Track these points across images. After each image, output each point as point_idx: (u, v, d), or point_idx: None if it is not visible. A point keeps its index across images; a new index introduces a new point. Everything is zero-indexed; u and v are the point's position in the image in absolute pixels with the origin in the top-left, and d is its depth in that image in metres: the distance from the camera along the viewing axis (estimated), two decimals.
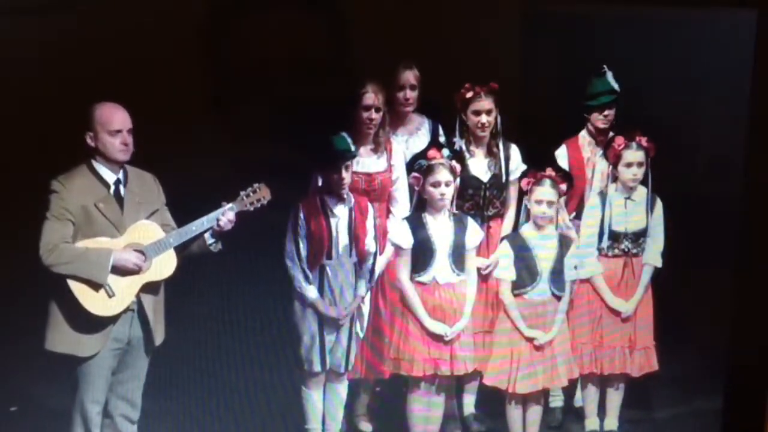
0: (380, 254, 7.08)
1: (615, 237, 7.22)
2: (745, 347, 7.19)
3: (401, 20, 7.92)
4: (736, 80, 7.44)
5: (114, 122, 6.30)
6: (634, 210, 7.21)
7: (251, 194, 6.56)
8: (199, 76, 7.95)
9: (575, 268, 7.09)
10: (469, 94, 7.23)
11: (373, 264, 7.03)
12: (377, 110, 7.14)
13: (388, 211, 7.25)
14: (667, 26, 7.96)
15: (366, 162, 7.18)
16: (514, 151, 7.32)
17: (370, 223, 7.01)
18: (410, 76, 7.31)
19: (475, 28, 7.99)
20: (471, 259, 7.04)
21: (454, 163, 6.96)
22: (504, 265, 7.06)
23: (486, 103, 7.23)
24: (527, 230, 7.05)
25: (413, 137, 7.43)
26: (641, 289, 7.23)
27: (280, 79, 7.94)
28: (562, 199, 7.15)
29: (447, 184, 6.94)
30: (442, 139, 7.47)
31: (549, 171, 7.05)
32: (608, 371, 7.27)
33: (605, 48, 8.13)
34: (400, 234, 6.99)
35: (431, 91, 7.45)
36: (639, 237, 7.21)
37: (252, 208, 6.57)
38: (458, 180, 7.01)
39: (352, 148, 6.90)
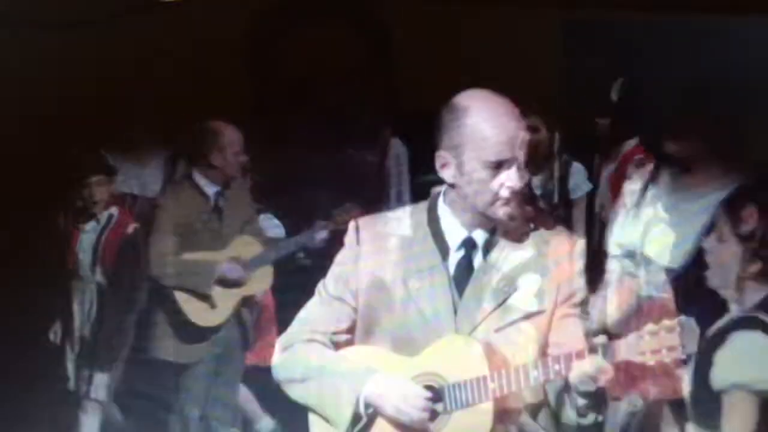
0: None
1: None
2: None
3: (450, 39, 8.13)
4: None
5: (236, 143, 6.54)
6: None
7: (343, 214, 6.80)
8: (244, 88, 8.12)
9: None
10: None
11: None
12: None
13: None
14: (719, 34, 8.14)
15: None
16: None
17: None
18: None
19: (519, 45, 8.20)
20: None
21: None
22: None
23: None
24: None
25: None
26: None
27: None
28: None
29: None
30: None
31: None
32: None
33: (655, 57, 8.34)
34: None
35: None
36: None
37: (344, 227, 6.82)
38: None
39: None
